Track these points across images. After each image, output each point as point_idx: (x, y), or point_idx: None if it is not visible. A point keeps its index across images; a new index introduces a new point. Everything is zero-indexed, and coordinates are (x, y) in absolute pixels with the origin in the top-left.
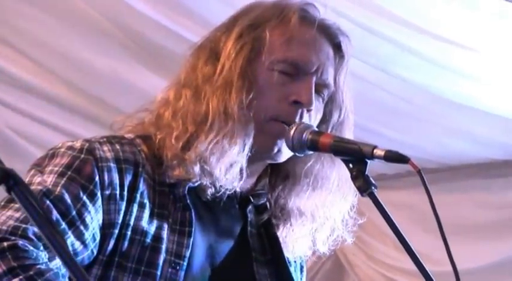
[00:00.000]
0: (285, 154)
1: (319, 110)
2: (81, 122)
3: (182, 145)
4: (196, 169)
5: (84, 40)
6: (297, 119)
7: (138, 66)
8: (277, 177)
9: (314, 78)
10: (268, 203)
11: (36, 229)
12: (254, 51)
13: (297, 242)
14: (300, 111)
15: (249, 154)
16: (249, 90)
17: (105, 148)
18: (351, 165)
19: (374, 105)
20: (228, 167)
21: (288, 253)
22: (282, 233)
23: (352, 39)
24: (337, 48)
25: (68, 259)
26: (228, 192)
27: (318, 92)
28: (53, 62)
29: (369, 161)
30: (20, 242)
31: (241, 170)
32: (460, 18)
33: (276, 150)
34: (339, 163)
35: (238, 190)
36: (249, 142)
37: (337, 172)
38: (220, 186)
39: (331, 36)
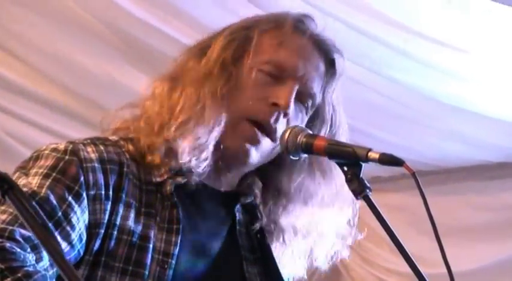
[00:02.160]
0: (254, 158)
1: (301, 119)
2: (75, 125)
3: (156, 132)
4: (162, 149)
5: (76, 42)
6: (272, 121)
7: (131, 68)
8: (268, 192)
9: (296, 86)
10: (259, 213)
11: (23, 231)
12: (242, 48)
13: (293, 262)
14: (276, 113)
15: (219, 135)
16: (227, 82)
17: (89, 149)
18: (345, 168)
19: (368, 108)
20: (194, 146)
21: (281, 269)
22: (276, 248)
23: (346, 41)
24: (330, 64)
25: (62, 262)
26: (197, 178)
27: (301, 101)
28: (45, 64)
29: (363, 164)
30: (7, 244)
31: (207, 151)
32: (452, 20)
33: (243, 154)
34: (330, 177)
35: (222, 189)
36: (218, 128)
37: (329, 187)
38: (188, 169)
39: (325, 52)
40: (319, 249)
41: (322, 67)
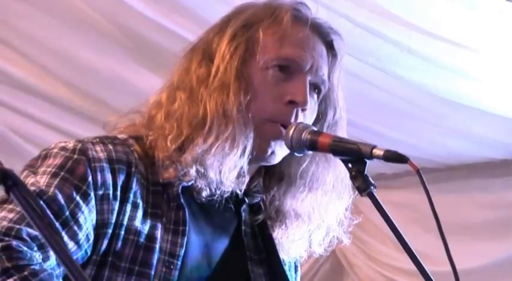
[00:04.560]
0: (279, 156)
1: (314, 110)
2: (80, 122)
3: (176, 147)
4: (193, 171)
5: (82, 40)
6: (293, 119)
7: (137, 65)
8: (272, 178)
9: (308, 77)
10: (262, 204)
11: (30, 230)
12: (248, 52)
13: (293, 244)
14: (295, 111)
15: (250, 157)
16: (246, 91)
17: (98, 148)
18: (350, 165)
19: (373, 105)
20: (230, 171)
21: (283, 255)
22: (278, 234)
23: (351, 39)
24: (330, 46)
25: (67, 259)
26: (225, 195)
27: (313, 91)
28: (51, 61)
29: (368, 161)
30: (14, 242)
31: (240, 173)
32: (459, 17)
33: (269, 152)
34: (334, 163)
35: (240, 191)
36: (250, 144)
37: (333, 173)
38: (216, 188)
39: (323, 35)
40: (318, 234)
41: (324, 51)
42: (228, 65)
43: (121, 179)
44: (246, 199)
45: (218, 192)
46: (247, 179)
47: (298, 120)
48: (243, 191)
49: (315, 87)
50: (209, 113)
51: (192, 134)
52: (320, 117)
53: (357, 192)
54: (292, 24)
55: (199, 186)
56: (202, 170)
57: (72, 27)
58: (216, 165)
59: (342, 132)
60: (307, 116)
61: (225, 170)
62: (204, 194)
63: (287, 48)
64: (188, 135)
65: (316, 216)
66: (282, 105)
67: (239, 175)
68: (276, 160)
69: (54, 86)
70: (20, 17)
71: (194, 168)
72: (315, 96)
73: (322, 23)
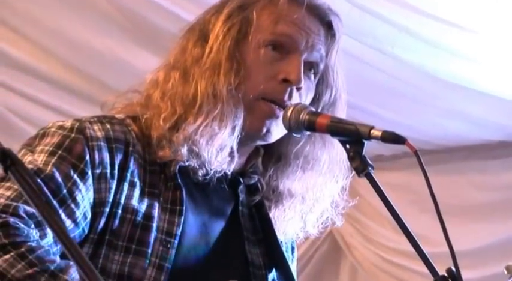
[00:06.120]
0: (275, 134)
1: (311, 89)
2: (79, 103)
3: (170, 126)
4: (184, 150)
5: (82, 21)
6: (286, 98)
7: (136, 47)
8: (270, 159)
9: (303, 56)
10: (260, 185)
11: (27, 207)
12: (242, 32)
13: (288, 223)
14: (289, 89)
15: (239, 136)
16: (238, 71)
17: (96, 127)
18: (347, 146)
19: (371, 86)
20: (218, 150)
21: (280, 235)
22: (274, 214)
23: (349, 20)
24: (328, 27)
25: (64, 237)
26: (217, 174)
27: (309, 70)
28: (49, 41)
29: (365, 142)
30: (11, 219)
31: (231, 152)
32: None
33: (264, 131)
34: (330, 144)
35: (228, 171)
36: (239, 124)
37: (328, 154)
38: (210, 168)
39: (321, 16)
40: (312, 214)
41: (322, 32)
42: (220, 46)
43: (118, 158)
44: (242, 180)
45: (212, 172)
46: (237, 158)
47: (294, 100)
48: (231, 171)
49: (311, 67)
50: (200, 93)
51: (185, 113)
52: (317, 98)
53: (354, 173)
54: (288, 5)
55: (193, 165)
56: (196, 149)
57: (72, 8)
58: (205, 144)
59: (341, 113)
60: (302, 96)
61: (214, 149)
62: (200, 173)
63: (282, 29)
64: (181, 115)
65: (310, 196)
66: (276, 84)
67: (230, 154)
68: (273, 138)
69: (54, 66)
70: None
71: (186, 147)
72: (312, 76)
73: (320, 5)
